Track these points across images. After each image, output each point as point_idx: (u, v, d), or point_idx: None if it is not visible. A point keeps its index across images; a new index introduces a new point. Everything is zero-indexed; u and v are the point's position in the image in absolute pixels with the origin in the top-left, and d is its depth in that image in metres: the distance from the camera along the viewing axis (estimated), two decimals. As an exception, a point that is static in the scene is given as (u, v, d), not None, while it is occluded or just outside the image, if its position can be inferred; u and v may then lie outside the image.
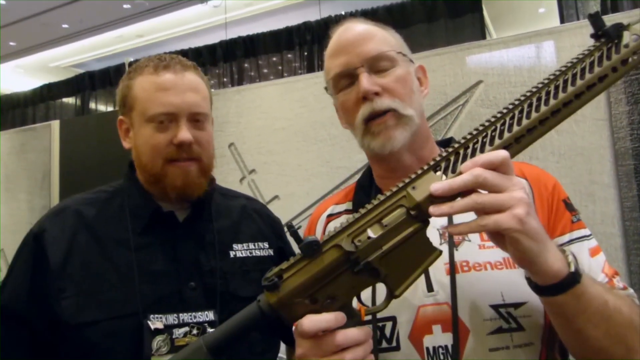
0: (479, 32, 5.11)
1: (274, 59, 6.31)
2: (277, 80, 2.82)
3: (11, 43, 10.16)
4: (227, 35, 6.99)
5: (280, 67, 6.30)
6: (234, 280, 1.31)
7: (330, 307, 0.88)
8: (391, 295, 0.88)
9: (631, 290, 1.03)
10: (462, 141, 0.88)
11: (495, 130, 0.87)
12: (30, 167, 3.51)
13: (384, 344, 1.06)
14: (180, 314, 1.21)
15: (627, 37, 0.85)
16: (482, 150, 0.86)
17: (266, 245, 1.42)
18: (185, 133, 1.24)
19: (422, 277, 1.05)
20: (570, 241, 1.05)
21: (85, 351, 1.16)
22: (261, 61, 6.34)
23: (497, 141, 0.86)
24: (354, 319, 0.89)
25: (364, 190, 1.26)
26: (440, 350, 1.01)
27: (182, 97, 1.25)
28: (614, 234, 1.94)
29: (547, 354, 1.00)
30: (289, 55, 6.22)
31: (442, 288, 1.04)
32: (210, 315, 1.23)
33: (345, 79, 1.15)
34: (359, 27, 1.17)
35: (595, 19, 0.87)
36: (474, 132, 0.88)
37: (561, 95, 0.85)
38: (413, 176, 0.87)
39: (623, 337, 0.86)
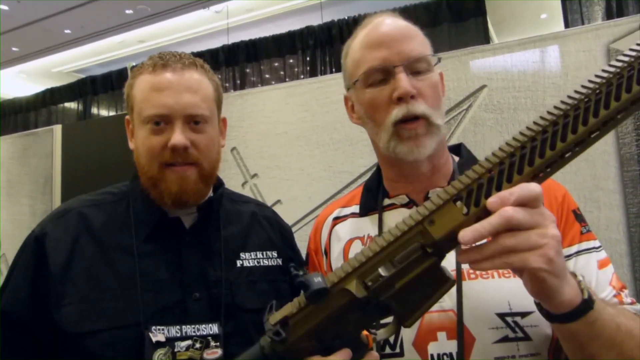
0: (483, 37, 5.09)
1: (276, 64, 6.31)
2: (280, 84, 2.81)
3: (14, 49, 10.18)
4: (229, 41, 6.99)
5: (282, 72, 6.30)
6: (240, 291, 1.25)
7: (338, 345, 0.83)
8: (399, 324, 0.83)
9: (639, 306, 1.01)
10: (487, 165, 0.76)
11: (525, 149, 0.75)
12: (32, 172, 3.51)
13: (387, 350, 1.04)
14: (183, 326, 1.16)
15: None
16: (509, 179, 0.75)
17: (275, 254, 1.36)
18: (178, 137, 1.16)
19: None
20: (578, 252, 1.03)
21: None
22: (263, 66, 6.34)
23: (526, 168, 0.74)
24: (362, 350, 0.85)
25: (371, 193, 1.24)
26: (445, 358, 1.00)
27: (177, 98, 1.18)
28: (619, 241, 1.92)
29: None
30: (291, 61, 6.22)
31: (448, 295, 0.98)
32: (214, 329, 1.17)
33: (379, 75, 1.09)
34: (400, 23, 1.13)
35: None
36: (500, 155, 0.76)
37: (602, 112, 0.72)
38: (431, 208, 0.77)
39: None
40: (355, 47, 1.16)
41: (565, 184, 1.15)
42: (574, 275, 0.82)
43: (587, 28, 2.09)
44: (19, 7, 8.28)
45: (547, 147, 0.74)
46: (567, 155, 0.75)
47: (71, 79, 8.83)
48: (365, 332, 0.87)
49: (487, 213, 0.75)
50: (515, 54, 2.14)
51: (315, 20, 6.77)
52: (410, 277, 0.79)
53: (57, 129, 3.48)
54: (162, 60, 1.23)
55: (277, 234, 1.43)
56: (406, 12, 5.48)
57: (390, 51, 1.08)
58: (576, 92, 0.74)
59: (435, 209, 0.77)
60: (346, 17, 5.85)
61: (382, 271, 0.79)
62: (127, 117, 1.31)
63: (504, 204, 0.73)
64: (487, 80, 2.18)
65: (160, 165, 1.20)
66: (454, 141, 2.18)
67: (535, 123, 0.75)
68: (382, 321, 0.89)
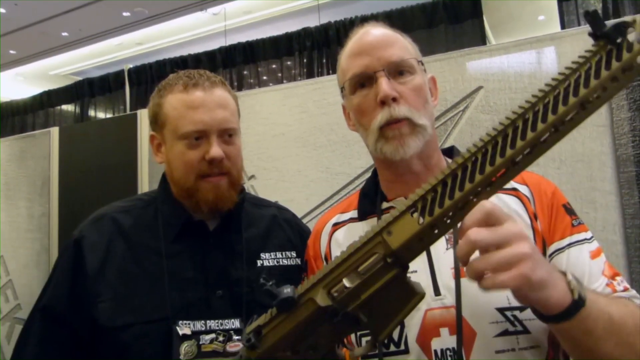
0: (479, 38, 5.10)
1: (274, 65, 6.31)
2: (277, 85, 2.81)
3: (11, 51, 10.18)
4: (226, 43, 6.99)
5: (279, 74, 6.29)
6: (260, 289, 1.31)
7: (313, 356, 0.86)
8: (375, 340, 0.86)
9: (633, 292, 1.04)
10: (440, 177, 0.80)
11: (476, 162, 0.78)
12: (30, 174, 3.50)
13: (392, 348, 1.07)
14: (208, 321, 1.25)
15: (632, 37, 0.72)
16: (461, 187, 0.78)
17: (294, 254, 1.45)
18: (216, 150, 1.28)
19: (430, 280, 1.06)
20: (570, 244, 1.06)
21: (120, 352, 1.23)
22: (260, 68, 6.33)
23: (477, 176, 0.77)
24: None
25: (369, 197, 1.26)
26: (448, 353, 1.02)
27: (211, 114, 1.29)
28: (615, 242, 1.92)
29: (554, 355, 1.01)
30: (288, 62, 6.21)
31: (449, 292, 1.05)
32: (236, 323, 1.27)
33: (363, 81, 1.15)
34: (381, 31, 1.19)
35: (593, 18, 0.74)
36: (453, 166, 0.79)
37: (550, 117, 0.74)
38: (388, 220, 0.81)
39: (632, 345, 0.86)
40: (342, 58, 1.22)
41: (561, 185, 1.16)
42: (564, 274, 0.84)
43: (584, 29, 2.10)
44: (16, 10, 8.29)
45: (497, 154, 0.76)
46: (518, 160, 0.77)
47: (68, 82, 8.80)
48: (344, 350, 0.91)
49: (443, 222, 0.79)
50: (512, 55, 2.14)
51: (312, 22, 6.78)
52: (375, 289, 0.81)
53: (55, 131, 3.47)
54: (191, 79, 1.34)
55: (297, 235, 1.52)
56: (403, 14, 5.49)
57: (371, 58, 1.13)
58: (527, 101, 0.77)
59: (391, 220, 0.80)
60: (343, 19, 5.86)
61: (346, 282, 0.82)
62: (152, 133, 1.41)
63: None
64: (484, 81, 2.19)
65: (197, 177, 1.30)
66: (450, 142, 2.19)
67: (487, 134, 0.78)
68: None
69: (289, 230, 1.51)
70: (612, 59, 0.72)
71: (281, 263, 1.42)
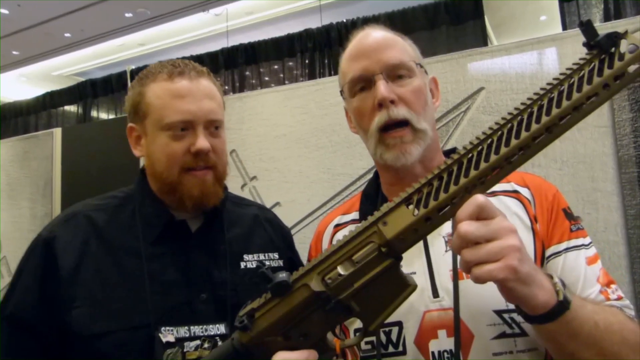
0: (481, 39, 5.10)
1: (275, 66, 6.31)
2: (279, 87, 2.81)
3: (14, 52, 10.19)
4: (228, 44, 6.99)
5: (281, 75, 6.29)
6: (244, 293, 1.27)
7: (304, 343, 0.87)
8: (365, 330, 0.87)
9: (626, 301, 1.03)
10: (436, 172, 0.84)
11: (472, 158, 0.82)
12: (33, 175, 3.52)
13: (391, 349, 1.07)
14: (192, 327, 1.18)
15: (624, 47, 0.77)
16: (456, 182, 0.81)
17: (276, 256, 1.40)
18: (203, 141, 1.21)
19: (429, 282, 1.07)
20: (567, 249, 1.06)
21: None
22: (262, 68, 6.34)
23: (472, 172, 0.80)
24: (328, 353, 0.89)
25: (370, 199, 1.26)
26: (446, 355, 1.02)
27: (198, 104, 1.22)
28: (617, 242, 1.92)
29: (552, 358, 1.00)
30: (290, 63, 6.21)
31: (447, 294, 1.05)
32: (221, 329, 1.21)
33: (362, 84, 1.15)
34: (380, 34, 1.19)
35: (587, 28, 0.78)
36: (449, 162, 0.83)
37: (544, 118, 0.78)
38: (384, 210, 0.84)
39: (616, 355, 0.87)
40: (343, 61, 1.22)
41: (563, 185, 1.16)
42: (550, 276, 0.86)
43: (585, 30, 2.09)
44: (19, 11, 8.30)
45: (492, 152, 0.80)
46: (512, 158, 0.80)
47: (71, 82, 8.81)
48: (335, 340, 0.92)
49: (437, 214, 0.81)
50: (513, 56, 2.14)
51: (314, 23, 6.78)
52: (368, 277, 0.83)
53: (57, 132, 3.49)
54: (176, 67, 1.26)
55: (279, 236, 1.47)
56: (404, 15, 5.49)
57: (370, 61, 1.13)
58: (522, 103, 0.81)
59: (387, 210, 0.83)
60: (344, 20, 5.86)
61: (340, 269, 0.84)
62: (131, 125, 1.31)
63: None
64: (485, 82, 2.19)
65: (181, 170, 1.23)
66: (452, 143, 2.19)
67: (483, 132, 0.82)
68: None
69: (271, 230, 1.46)
70: (605, 67, 0.76)
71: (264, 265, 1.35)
